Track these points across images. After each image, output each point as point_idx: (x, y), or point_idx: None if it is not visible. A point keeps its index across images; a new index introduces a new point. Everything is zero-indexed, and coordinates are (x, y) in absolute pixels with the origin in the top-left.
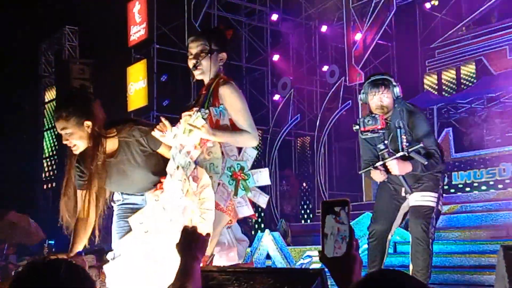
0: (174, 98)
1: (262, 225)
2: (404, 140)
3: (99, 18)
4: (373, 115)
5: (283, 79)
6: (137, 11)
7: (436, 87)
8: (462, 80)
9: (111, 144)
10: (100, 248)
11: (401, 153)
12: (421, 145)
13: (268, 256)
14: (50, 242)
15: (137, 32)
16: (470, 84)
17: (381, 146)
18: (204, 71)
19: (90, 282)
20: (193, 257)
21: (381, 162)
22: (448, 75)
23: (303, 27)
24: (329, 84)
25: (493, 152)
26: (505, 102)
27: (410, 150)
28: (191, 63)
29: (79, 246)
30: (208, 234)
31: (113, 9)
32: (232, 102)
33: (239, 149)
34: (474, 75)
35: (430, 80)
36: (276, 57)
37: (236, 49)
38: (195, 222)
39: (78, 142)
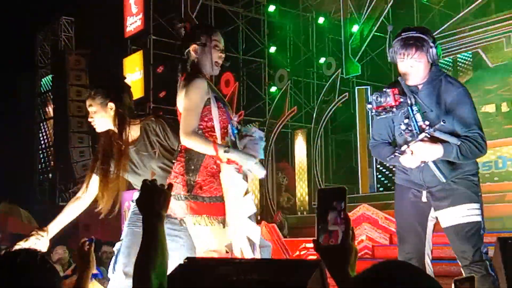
0: (171, 89)
1: (259, 217)
2: (419, 119)
3: (95, 8)
4: (384, 90)
5: (280, 71)
6: (133, 2)
7: None
8: (459, 73)
9: (133, 133)
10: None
11: (423, 135)
12: (442, 123)
13: None
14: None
15: (133, 23)
16: (467, 76)
17: (402, 126)
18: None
19: (50, 269)
20: (155, 214)
21: (405, 146)
22: (445, 67)
23: (300, 18)
24: (326, 76)
25: (489, 145)
26: (502, 94)
27: (432, 129)
28: (219, 57)
29: (59, 225)
30: (170, 187)
31: (109, 0)
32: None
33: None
34: (471, 67)
35: None
36: (273, 49)
37: (233, 41)
38: None
39: (99, 120)
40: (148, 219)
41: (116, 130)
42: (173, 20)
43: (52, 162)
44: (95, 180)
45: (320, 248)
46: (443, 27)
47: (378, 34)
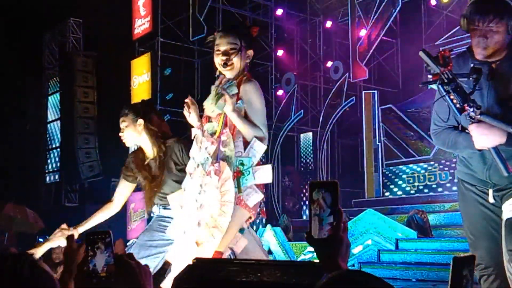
0: (178, 91)
1: (264, 220)
2: (455, 102)
3: (104, 10)
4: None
5: (287, 74)
6: (141, 4)
7: None
8: None
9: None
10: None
11: (479, 118)
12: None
13: (269, 251)
14: (40, 239)
15: (141, 25)
16: None
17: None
18: (234, 69)
19: (41, 274)
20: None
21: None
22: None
23: (308, 22)
24: (333, 80)
25: None
26: None
27: (474, 112)
28: (220, 59)
29: (89, 225)
30: (139, 265)
31: (117, 2)
32: (252, 99)
33: (245, 145)
34: None
35: None
36: (280, 53)
37: None
38: (215, 217)
39: (128, 134)
40: None
41: (142, 146)
42: (181, 22)
43: (58, 163)
44: (126, 186)
45: (312, 240)
46: (450, 32)
47: (386, 38)
